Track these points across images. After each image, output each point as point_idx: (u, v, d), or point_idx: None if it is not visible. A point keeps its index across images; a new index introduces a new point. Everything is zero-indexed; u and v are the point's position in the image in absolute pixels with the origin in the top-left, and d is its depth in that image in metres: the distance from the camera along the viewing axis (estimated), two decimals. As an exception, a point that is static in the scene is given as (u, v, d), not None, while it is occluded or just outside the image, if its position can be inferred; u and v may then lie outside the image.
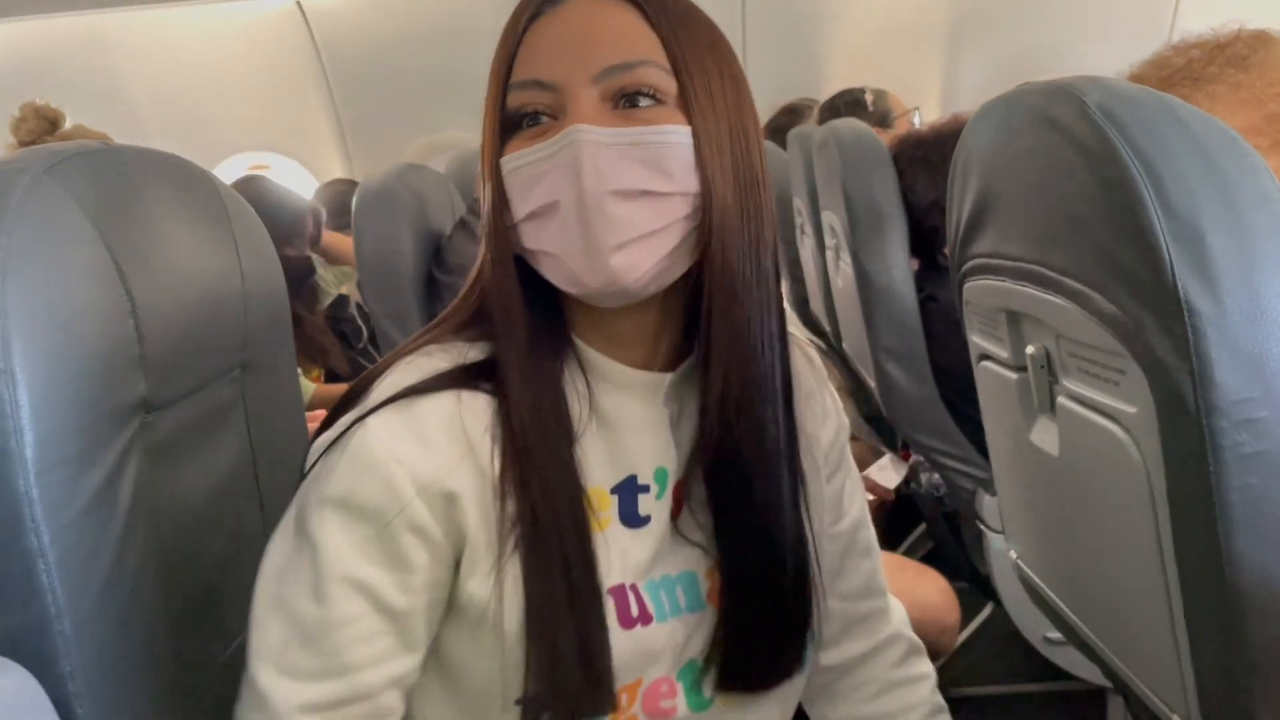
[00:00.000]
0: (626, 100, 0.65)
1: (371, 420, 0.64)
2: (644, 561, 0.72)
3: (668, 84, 0.66)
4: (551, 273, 0.67)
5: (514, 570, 0.66)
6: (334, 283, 2.68)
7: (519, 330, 0.69)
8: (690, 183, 0.66)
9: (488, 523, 0.65)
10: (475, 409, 0.67)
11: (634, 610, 0.70)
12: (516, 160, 0.66)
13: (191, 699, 0.75)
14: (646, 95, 0.65)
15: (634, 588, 0.71)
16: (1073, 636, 0.96)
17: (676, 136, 0.65)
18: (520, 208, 0.67)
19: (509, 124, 0.68)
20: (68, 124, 1.95)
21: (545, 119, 0.66)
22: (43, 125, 1.90)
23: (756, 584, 0.73)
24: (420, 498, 0.63)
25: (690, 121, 0.66)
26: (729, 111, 0.68)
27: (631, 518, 0.72)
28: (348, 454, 0.63)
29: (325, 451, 0.66)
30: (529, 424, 0.66)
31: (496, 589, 0.65)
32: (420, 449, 0.64)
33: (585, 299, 0.68)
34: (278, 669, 0.63)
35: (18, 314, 0.59)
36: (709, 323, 0.69)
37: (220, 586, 0.82)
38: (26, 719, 0.58)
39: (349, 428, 0.64)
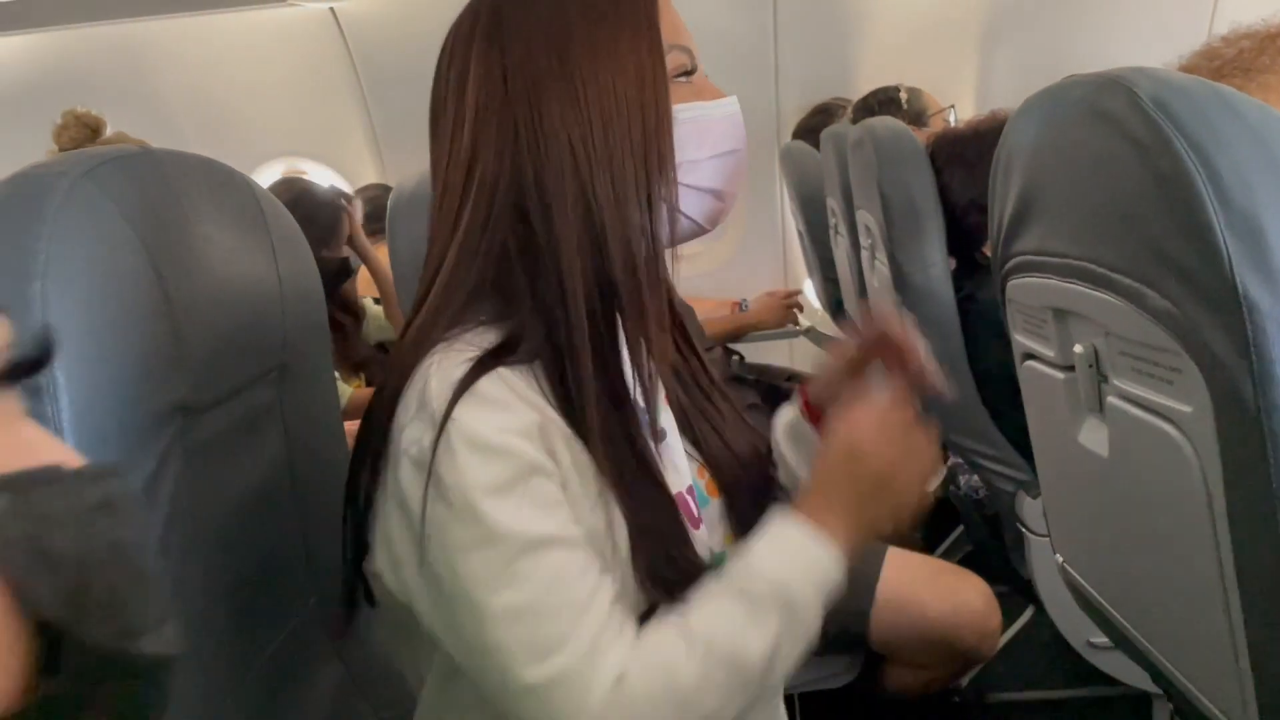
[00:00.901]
0: None
1: (457, 413, 0.65)
2: (685, 465, 0.80)
3: None
4: (701, 211, 0.76)
5: (610, 498, 0.71)
6: (375, 321, 2.66)
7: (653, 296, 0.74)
8: None
9: (575, 463, 0.70)
10: (516, 378, 0.70)
11: (695, 511, 0.78)
12: (701, 109, 0.75)
13: (232, 698, 0.75)
14: None
15: (690, 490, 0.79)
16: (1122, 641, 0.94)
17: None
18: (698, 151, 0.74)
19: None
20: (108, 131, 1.97)
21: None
22: (84, 132, 1.93)
23: (735, 469, 0.85)
24: (530, 443, 0.67)
25: None
26: None
27: (659, 432, 0.80)
28: (461, 450, 0.65)
29: (428, 460, 0.66)
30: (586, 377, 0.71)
31: (605, 517, 0.70)
32: (505, 412, 0.67)
33: (687, 238, 0.77)
34: (539, 655, 0.65)
35: (57, 316, 0.59)
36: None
37: (259, 587, 0.82)
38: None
39: (439, 433, 0.65)
